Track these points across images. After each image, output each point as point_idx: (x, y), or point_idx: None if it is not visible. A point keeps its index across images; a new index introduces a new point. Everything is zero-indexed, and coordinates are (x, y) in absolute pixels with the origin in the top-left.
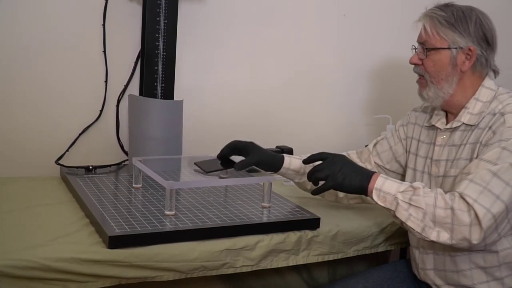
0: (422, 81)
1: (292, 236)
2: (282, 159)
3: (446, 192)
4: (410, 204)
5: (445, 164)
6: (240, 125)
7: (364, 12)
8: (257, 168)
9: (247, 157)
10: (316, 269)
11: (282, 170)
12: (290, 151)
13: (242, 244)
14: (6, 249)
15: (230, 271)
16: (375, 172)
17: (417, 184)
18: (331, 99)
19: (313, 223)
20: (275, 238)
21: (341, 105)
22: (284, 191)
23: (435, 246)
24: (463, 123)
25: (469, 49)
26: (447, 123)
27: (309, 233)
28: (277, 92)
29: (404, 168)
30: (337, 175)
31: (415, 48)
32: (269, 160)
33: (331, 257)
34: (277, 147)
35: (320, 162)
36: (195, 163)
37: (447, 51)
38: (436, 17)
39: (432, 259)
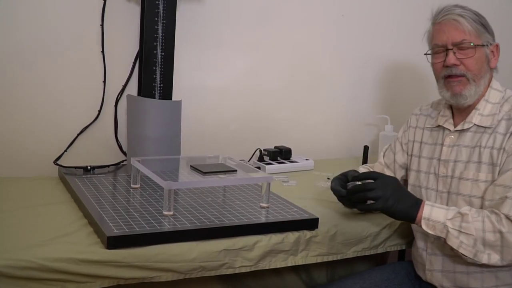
0: (463, 80)
1: (291, 237)
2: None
3: (456, 196)
4: (460, 231)
5: (454, 164)
6: (239, 125)
7: (363, 12)
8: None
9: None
10: (314, 269)
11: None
12: (288, 151)
13: (240, 245)
14: (5, 249)
15: (229, 271)
16: (422, 200)
17: (464, 210)
18: (330, 99)
19: (311, 224)
20: (273, 239)
21: (340, 106)
22: (282, 191)
23: (444, 248)
24: (474, 124)
25: (496, 46)
26: (454, 123)
27: (307, 234)
28: (276, 92)
29: None
30: (389, 199)
31: (447, 49)
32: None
33: (330, 258)
34: (275, 147)
35: (370, 180)
36: (191, 166)
37: (482, 48)
38: (468, 16)
39: (441, 260)
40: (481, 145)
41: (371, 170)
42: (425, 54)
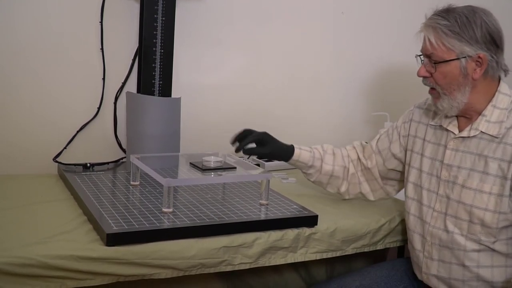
0: (434, 93)
1: (290, 233)
2: (293, 151)
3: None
4: None
5: (457, 170)
6: (238, 122)
7: (362, 10)
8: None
9: (262, 147)
10: (314, 266)
11: (291, 161)
12: None
13: (240, 242)
14: (4, 246)
15: (228, 268)
16: None
17: None
18: (329, 96)
19: (311, 221)
20: (273, 236)
21: (339, 103)
22: (281, 188)
23: (441, 254)
24: (481, 131)
25: (479, 57)
26: (459, 126)
27: (307, 231)
28: (275, 90)
29: (404, 165)
30: None
31: (422, 60)
32: (280, 153)
33: (329, 255)
34: None
35: None
36: (191, 163)
37: (456, 62)
38: (440, 27)
39: (436, 265)
40: (487, 154)
41: (363, 153)
42: (416, 56)
